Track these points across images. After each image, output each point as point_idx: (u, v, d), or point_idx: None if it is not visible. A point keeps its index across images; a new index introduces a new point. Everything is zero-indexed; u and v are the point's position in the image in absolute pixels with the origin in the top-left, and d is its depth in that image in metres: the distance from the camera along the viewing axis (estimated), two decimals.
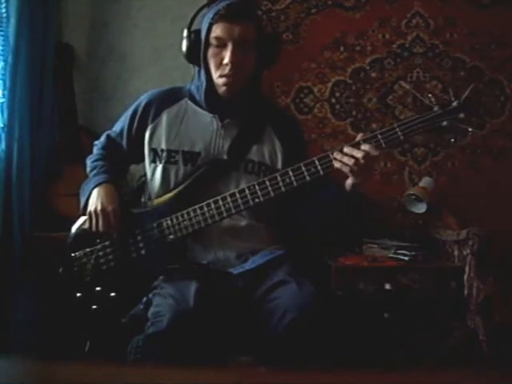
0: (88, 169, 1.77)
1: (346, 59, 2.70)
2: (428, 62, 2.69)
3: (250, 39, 1.60)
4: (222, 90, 1.64)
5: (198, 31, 1.64)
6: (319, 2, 2.69)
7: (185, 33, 1.65)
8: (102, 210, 1.61)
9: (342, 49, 2.70)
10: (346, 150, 1.50)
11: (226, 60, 1.58)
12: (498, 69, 2.68)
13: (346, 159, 1.49)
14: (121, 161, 1.79)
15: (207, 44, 1.61)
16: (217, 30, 1.58)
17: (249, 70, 1.64)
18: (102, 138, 1.82)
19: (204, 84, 1.65)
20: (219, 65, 1.61)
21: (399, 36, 2.70)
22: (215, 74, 1.62)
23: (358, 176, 1.51)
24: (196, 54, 1.64)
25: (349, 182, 1.53)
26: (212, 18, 1.58)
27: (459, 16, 2.67)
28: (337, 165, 1.51)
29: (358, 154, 1.48)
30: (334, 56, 2.70)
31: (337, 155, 1.51)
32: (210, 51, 1.61)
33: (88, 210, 1.64)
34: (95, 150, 1.82)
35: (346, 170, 1.50)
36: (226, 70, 1.59)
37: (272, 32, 1.69)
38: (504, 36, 2.67)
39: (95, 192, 1.65)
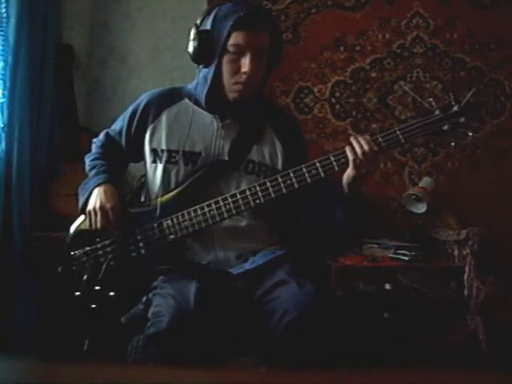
0: (87, 167, 1.77)
1: (346, 59, 2.70)
2: (428, 62, 2.69)
3: (267, 47, 1.60)
4: (234, 95, 1.62)
5: (208, 32, 1.60)
6: (319, 2, 2.69)
7: (193, 33, 1.61)
8: (101, 207, 1.61)
9: (341, 49, 2.70)
10: (359, 137, 1.53)
11: (245, 69, 1.57)
12: (498, 69, 2.68)
13: (355, 143, 1.52)
14: (119, 159, 1.79)
15: (224, 50, 1.58)
16: (236, 38, 1.56)
17: (262, 75, 1.64)
18: (101, 136, 1.82)
19: (208, 85, 1.63)
20: (235, 72, 1.59)
21: (399, 36, 2.70)
22: (229, 80, 1.60)
23: (358, 168, 1.52)
24: (205, 56, 1.60)
25: (348, 173, 1.54)
26: (232, 26, 1.55)
27: (459, 16, 2.67)
28: (348, 150, 1.53)
29: (365, 146, 1.50)
30: (334, 56, 2.70)
31: (352, 141, 1.53)
32: (226, 57, 1.58)
33: (88, 208, 1.64)
34: (94, 149, 1.81)
35: (351, 157, 1.52)
36: (243, 78, 1.58)
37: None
38: (504, 36, 2.67)
39: (95, 191, 1.65)
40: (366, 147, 1.51)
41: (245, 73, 1.57)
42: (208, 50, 1.60)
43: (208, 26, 1.60)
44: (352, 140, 1.53)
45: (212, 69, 1.61)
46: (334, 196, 1.61)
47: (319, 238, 2.07)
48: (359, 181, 1.55)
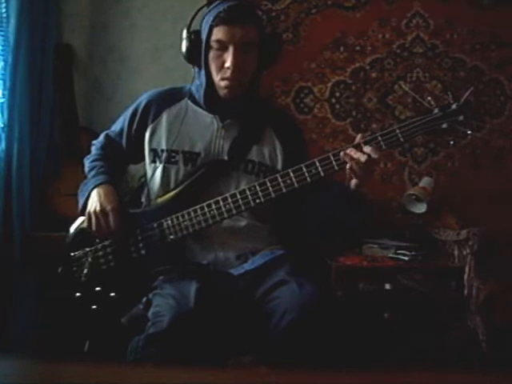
0: (86, 169, 1.77)
1: (345, 59, 2.70)
2: (428, 62, 2.69)
3: (252, 41, 1.60)
4: (223, 92, 1.63)
5: (198, 32, 1.64)
6: (319, 2, 2.69)
7: (184, 33, 1.65)
8: (102, 210, 1.61)
9: (341, 49, 2.70)
10: (348, 151, 1.50)
11: (228, 64, 1.58)
12: (498, 69, 2.68)
13: (348, 160, 1.50)
14: (119, 160, 1.79)
15: (208, 46, 1.61)
16: (218, 33, 1.58)
17: (250, 71, 1.64)
18: (101, 138, 1.82)
19: (204, 85, 1.65)
20: (221, 67, 1.60)
21: (399, 36, 2.70)
22: (217, 77, 1.62)
23: (358, 176, 1.51)
24: (196, 55, 1.63)
25: (352, 182, 1.54)
26: (212, 21, 1.58)
27: (459, 16, 2.67)
28: (337, 167, 1.51)
29: (361, 158, 1.48)
30: (334, 56, 2.70)
31: (340, 156, 1.51)
32: (211, 54, 1.61)
33: (87, 210, 1.63)
34: (93, 150, 1.81)
35: (347, 170, 1.51)
36: (228, 73, 1.59)
37: (272, 32, 1.69)
38: (504, 36, 2.67)
39: (95, 192, 1.65)
40: (361, 158, 1.48)
41: (228, 67, 1.58)
42: (198, 50, 1.62)
43: (198, 25, 1.64)
44: (346, 158, 1.49)
45: (203, 67, 1.63)
46: (336, 195, 1.61)
47: (319, 238, 2.07)
48: (360, 183, 1.54)
